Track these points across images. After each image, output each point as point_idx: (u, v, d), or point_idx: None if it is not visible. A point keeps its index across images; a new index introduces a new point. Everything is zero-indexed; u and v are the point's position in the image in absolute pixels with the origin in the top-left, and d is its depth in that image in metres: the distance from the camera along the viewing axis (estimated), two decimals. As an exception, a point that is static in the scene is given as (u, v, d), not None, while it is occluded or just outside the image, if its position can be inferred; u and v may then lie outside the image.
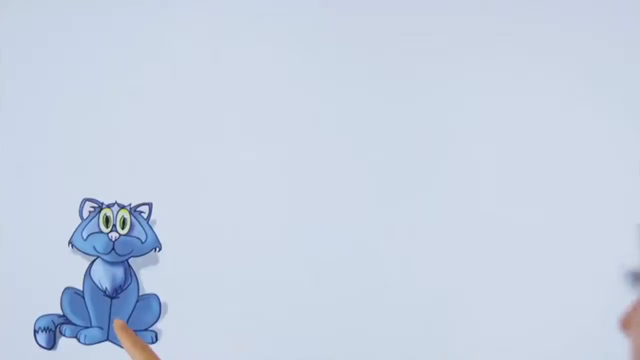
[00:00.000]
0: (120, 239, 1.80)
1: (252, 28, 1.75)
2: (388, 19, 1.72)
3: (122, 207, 1.81)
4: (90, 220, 1.80)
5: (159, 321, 1.78)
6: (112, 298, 1.80)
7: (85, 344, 1.79)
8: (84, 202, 1.79)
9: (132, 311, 1.81)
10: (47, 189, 1.77)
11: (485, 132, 1.69)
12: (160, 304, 1.79)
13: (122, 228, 1.80)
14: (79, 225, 1.80)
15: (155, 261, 1.80)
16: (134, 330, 1.72)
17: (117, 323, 1.05)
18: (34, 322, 1.78)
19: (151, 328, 1.78)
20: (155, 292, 1.79)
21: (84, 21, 1.74)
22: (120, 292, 1.80)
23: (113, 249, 1.80)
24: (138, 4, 1.74)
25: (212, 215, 1.77)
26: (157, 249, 1.81)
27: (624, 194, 1.65)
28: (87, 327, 1.80)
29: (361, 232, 1.72)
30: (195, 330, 1.77)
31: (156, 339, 1.77)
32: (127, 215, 1.81)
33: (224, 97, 1.75)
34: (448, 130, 1.70)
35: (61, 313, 1.79)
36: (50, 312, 1.79)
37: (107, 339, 1.80)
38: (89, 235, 1.79)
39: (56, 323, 1.79)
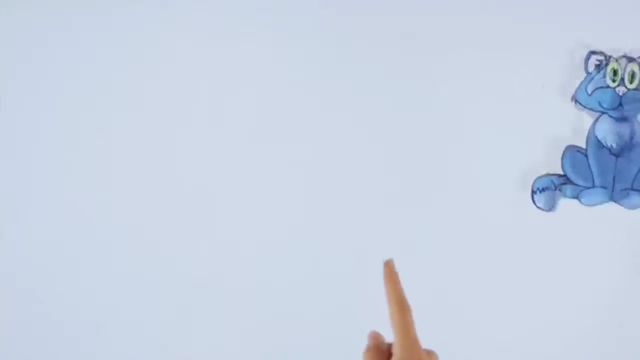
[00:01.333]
0: (628, 94, 1.68)
1: (252, 27, 1.66)
2: (388, 19, 1.64)
3: (631, 59, 1.68)
4: (596, 74, 1.68)
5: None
6: (617, 156, 1.68)
7: (586, 204, 1.70)
8: (590, 55, 1.68)
9: (639, 171, 1.69)
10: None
11: (484, 133, 1.66)
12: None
13: (631, 82, 1.68)
14: (583, 80, 1.68)
15: None
16: None
17: (387, 264, 0.89)
18: (532, 182, 1.70)
19: None
20: None
21: (84, 21, 1.66)
22: (627, 151, 1.68)
23: (620, 104, 1.68)
24: (138, 4, 1.65)
25: None
26: None
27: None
28: (589, 188, 1.69)
29: (362, 232, 1.68)
30: None
31: None
32: (636, 69, 1.68)
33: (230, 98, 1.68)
34: (449, 130, 1.66)
35: (562, 173, 1.70)
36: (550, 172, 1.70)
37: (611, 200, 1.70)
38: (594, 90, 1.68)
39: (556, 183, 1.70)
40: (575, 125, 1.69)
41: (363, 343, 1.61)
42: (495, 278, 1.68)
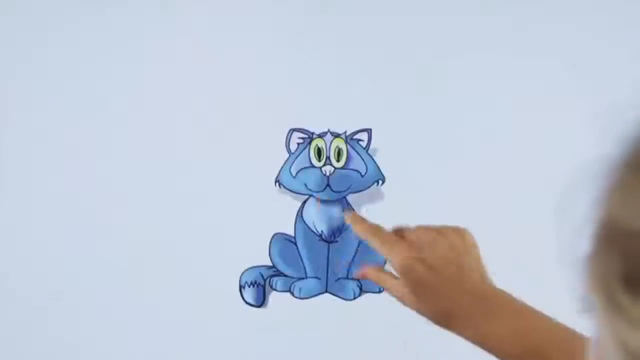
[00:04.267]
0: (335, 173, 1.55)
1: (252, 27, 1.62)
2: (388, 18, 1.61)
3: (336, 135, 1.55)
4: (300, 154, 1.54)
5: (386, 265, 1.50)
6: (329, 242, 1.54)
7: (300, 297, 1.56)
8: (291, 133, 1.54)
9: (354, 256, 1.56)
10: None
11: (485, 132, 1.61)
12: (385, 245, 1.48)
13: (338, 160, 1.55)
14: (286, 160, 1.55)
15: (380, 196, 1.56)
16: (358, 279, 1.50)
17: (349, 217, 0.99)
18: (239, 276, 1.57)
19: None
20: None
21: (84, 21, 1.63)
22: (339, 235, 1.55)
23: (328, 185, 1.55)
24: (138, 4, 1.62)
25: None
26: (380, 182, 1.55)
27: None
28: (301, 279, 1.56)
29: None
30: None
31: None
32: (342, 145, 1.54)
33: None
34: (448, 129, 1.61)
35: (270, 264, 1.56)
36: (257, 264, 1.57)
37: (326, 291, 1.57)
38: (298, 171, 1.55)
39: (265, 276, 1.55)
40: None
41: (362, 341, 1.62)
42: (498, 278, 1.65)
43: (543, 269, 1.49)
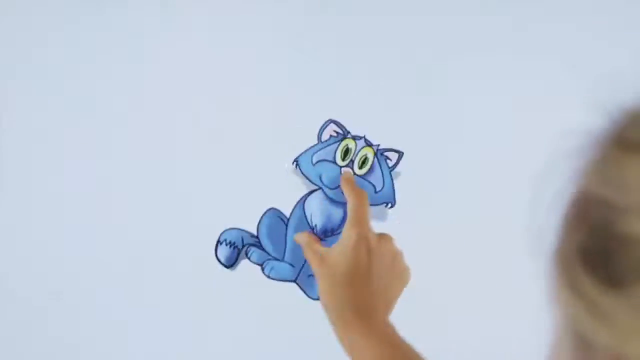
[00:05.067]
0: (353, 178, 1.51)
1: (250, 27, 1.64)
2: (388, 18, 1.64)
3: (369, 144, 1.54)
4: (328, 146, 1.54)
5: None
6: (320, 239, 1.51)
7: (268, 276, 1.55)
8: (328, 123, 1.53)
9: None
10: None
11: (485, 132, 1.65)
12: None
13: (360, 167, 1.53)
14: (312, 146, 1.54)
15: (383, 217, 1.55)
16: None
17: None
18: (220, 231, 1.57)
19: None
20: None
21: (84, 21, 1.64)
22: (330, 236, 1.53)
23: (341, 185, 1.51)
24: (138, 4, 1.63)
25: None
26: (390, 205, 1.54)
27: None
28: (277, 259, 1.54)
29: None
30: None
31: None
32: (370, 155, 1.53)
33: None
34: (447, 130, 1.65)
35: (255, 233, 1.55)
36: (243, 227, 1.56)
37: (295, 281, 1.55)
38: (319, 161, 1.53)
39: (245, 242, 1.54)
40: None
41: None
42: (497, 278, 1.66)
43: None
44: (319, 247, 1.25)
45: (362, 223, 1.10)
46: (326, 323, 1.37)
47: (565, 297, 0.47)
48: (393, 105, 1.63)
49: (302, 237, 1.26)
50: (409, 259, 1.48)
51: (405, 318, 1.45)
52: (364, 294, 0.99)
